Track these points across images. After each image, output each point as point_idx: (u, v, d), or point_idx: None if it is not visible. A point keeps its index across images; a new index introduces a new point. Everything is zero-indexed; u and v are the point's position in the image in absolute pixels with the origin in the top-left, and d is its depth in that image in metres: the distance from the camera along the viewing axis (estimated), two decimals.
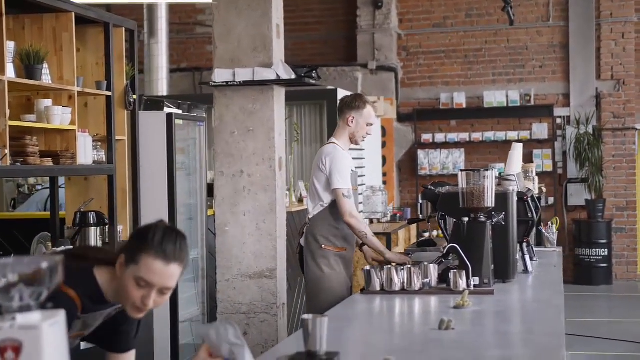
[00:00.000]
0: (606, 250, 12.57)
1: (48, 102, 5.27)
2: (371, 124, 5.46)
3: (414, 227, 11.32)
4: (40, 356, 1.78)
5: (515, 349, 3.19)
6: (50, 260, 1.84)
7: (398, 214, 11.10)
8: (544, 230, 6.50)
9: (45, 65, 5.19)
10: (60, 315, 1.85)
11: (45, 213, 6.56)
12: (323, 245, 5.35)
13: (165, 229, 2.73)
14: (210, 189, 6.50)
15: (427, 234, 10.48)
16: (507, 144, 11.65)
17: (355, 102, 5.45)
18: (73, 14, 5.45)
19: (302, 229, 5.57)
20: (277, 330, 5.80)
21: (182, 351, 6.63)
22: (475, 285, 4.36)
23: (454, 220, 4.66)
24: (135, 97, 6.22)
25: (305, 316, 2.83)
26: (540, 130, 12.99)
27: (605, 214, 12.72)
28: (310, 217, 5.47)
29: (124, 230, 6.08)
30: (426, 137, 13.30)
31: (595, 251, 12.55)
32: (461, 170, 4.57)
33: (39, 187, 8.52)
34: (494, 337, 3.40)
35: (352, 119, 5.41)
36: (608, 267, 12.64)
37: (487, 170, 4.54)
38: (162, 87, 11.37)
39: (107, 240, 5.82)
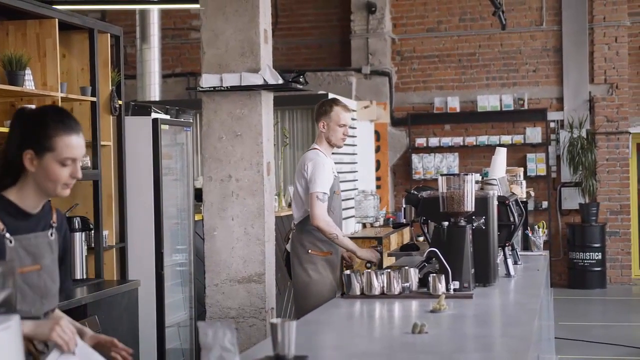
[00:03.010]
0: (600, 253, 12.57)
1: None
2: (344, 125, 5.48)
3: (407, 231, 11.31)
4: None
5: (483, 352, 3.20)
6: (2, 265, 1.86)
7: (391, 219, 11.08)
8: (530, 234, 6.50)
9: (28, 71, 5.20)
10: (14, 320, 1.86)
11: None
12: (310, 251, 5.39)
13: (55, 110, 2.92)
14: (199, 194, 6.50)
15: (421, 239, 10.47)
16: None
17: (323, 107, 5.51)
18: (57, 20, 5.47)
19: (287, 235, 5.60)
20: (266, 335, 5.80)
21: (169, 356, 6.63)
22: (455, 289, 4.37)
23: (434, 224, 4.67)
24: (120, 102, 6.23)
25: (274, 320, 2.86)
26: (534, 134, 12.99)
27: (599, 217, 12.72)
28: (295, 222, 5.49)
29: (109, 236, 6.08)
30: (420, 141, 13.31)
31: (589, 255, 12.54)
32: (441, 175, 4.58)
33: None
34: (464, 341, 3.41)
35: (324, 124, 5.47)
36: (602, 270, 12.64)
37: (467, 174, 4.54)
38: (154, 92, 11.39)
39: (92, 245, 5.83)
